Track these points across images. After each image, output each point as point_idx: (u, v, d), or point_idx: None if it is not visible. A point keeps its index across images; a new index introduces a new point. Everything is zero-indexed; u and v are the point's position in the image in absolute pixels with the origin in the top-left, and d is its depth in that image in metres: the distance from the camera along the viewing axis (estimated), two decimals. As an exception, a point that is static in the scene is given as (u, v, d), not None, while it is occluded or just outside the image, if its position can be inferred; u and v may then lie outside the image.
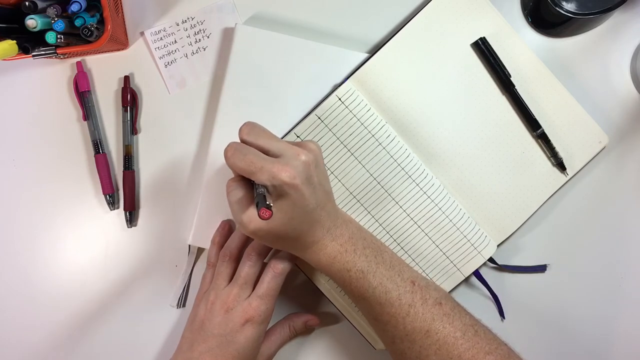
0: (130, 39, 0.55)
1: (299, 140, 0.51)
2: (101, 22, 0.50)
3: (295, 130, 0.51)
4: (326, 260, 0.44)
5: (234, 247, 0.49)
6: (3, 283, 0.55)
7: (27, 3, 0.46)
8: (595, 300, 0.54)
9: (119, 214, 0.55)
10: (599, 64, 0.54)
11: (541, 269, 0.54)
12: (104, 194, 0.54)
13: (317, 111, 0.51)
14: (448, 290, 0.52)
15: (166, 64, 0.54)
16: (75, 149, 0.55)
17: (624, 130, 0.54)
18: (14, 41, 0.46)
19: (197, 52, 0.54)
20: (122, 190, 0.54)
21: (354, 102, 0.50)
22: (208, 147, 0.52)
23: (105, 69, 0.55)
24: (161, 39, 0.54)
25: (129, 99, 0.54)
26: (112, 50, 0.54)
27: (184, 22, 0.54)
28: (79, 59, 0.55)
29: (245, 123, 0.43)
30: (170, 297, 0.54)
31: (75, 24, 0.49)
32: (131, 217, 0.54)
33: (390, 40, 0.52)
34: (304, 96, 0.52)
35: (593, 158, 0.53)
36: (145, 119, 0.55)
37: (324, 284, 0.52)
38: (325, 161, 0.51)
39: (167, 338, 0.55)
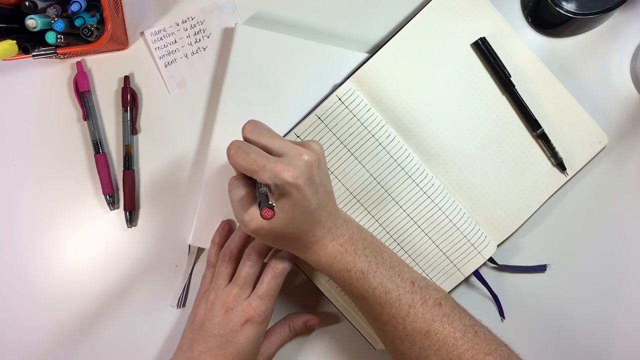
0: (130, 39, 0.55)
1: (299, 140, 0.51)
2: (101, 22, 0.50)
3: (295, 130, 0.51)
4: (326, 260, 0.44)
5: (234, 247, 0.49)
6: (3, 283, 0.55)
7: (27, 3, 0.46)
8: (595, 300, 0.54)
9: (119, 214, 0.55)
10: (599, 64, 0.54)
11: (541, 269, 0.54)
12: (104, 194, 0.54)
13: (317, 111, 0.51)
14: (448, 290, 0.52)
15: (166, 64, 0.54)
16: (75, 149, 0.55)
17: (624, 130, 0.54)
18: (14, 41, 0.46)
19: (197, 52, 0.54)
20: (122, 190, 0.54)
21: (354, 102, 0.50)
22: (208, 147, 0.52)
23: (105, 69, 0.55)
24: (161, 39, 0.54)
25: (129, 99, 0.54)
26: (112, 50, 0.54)
27: (184, 22, 0.54)
28: (79, 59, 0.55)
29: (248, 121, 0.43)
30: (170, 297, 0.54)
31: (75, 24, 0.49)
32: (131, 217, 0.54)
33: (390, 40, 0.52)
34: (304, 96, 0.52)
35: (593, 158, 0.53)
36: (145, 119, 0.55)
37: (324, 284, 0.52)
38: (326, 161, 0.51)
39: (167, 338, 0.55)
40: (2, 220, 0.55)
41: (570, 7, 0.49)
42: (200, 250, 0.55)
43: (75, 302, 0.54)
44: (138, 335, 0.54)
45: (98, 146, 0.54)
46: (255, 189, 0.41)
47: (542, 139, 0.52)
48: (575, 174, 0.53)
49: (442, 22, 0.52)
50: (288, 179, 0.39)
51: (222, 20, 0.54)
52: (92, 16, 0.49)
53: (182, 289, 0.54)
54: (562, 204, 0.54)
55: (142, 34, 0.54)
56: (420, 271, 0.52)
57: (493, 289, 0.53)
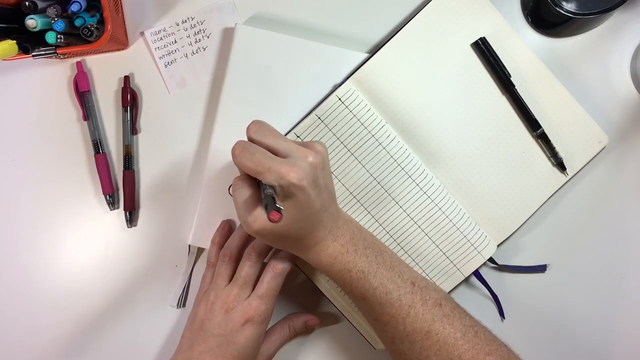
0: (130, 39, 0.55)
1: (299, 140, 0.51)
2: (101, 22, 0.50)
3: (295, 130, 0.51)
4: (327, 261, 0.44)
5: (234, 247, 0.49)
6: (3, 283, 0.55)
7: (27, 3, 0.46)
8: (595, 300, 0.54)
9: (119, 214, 0.55)
10: (599, 64, 0.54)
11: (541, 269, 0.54)
12: (104, 194, 0.54)
13: (317, 111, 0.51)
14: (448, 290, 0.52)
15: (166, 64, 0.54)
16: (75, 149, 0.55)
17: (624, 130, 0.54)
18: (14, 41, 0.46)
19: (197, 52, 0.54)
20: (122, 190, 0.54)
21: (354, 102, 0.50)
22: (208, 147, 0.52)
23: (105, 69, 0.55)
24: (161, 39, 0.54)
25: (129, 99, 0.54)
26: (112, 50, 0.54)
27: (184, 22, 0.54)
28: (79, 59, 0.55)
29: (253, 121, 0.42)
30: (170, 297, 0.54)
31: (75, 24, 0.49)
32: (131, 217, 0.54)
33: (390, 40, 0.52)
34: (304, 96, 0.52)
35: (593, 158, 0.53)
36: (145, 119, 0.55)
37: (324, 284, 0.52)
38: (326, 161, 0.51)
39: (167, 338, 0.55)
40: (2, 220, 0.55)
41: (570, 7, 0.49)
42: (200, 250, 0.55)
43: (75, 302, 0.54)
44: (138, 335, 0.54)
45: (98, 146, 0.54)
46: (259, 190, 0.41)
47: (542, 139, 0.52)
48: (575, 174, 0.53)
49: (442, 22, 0.52)
50: (293, 180, 0.39)
51: (222, 20, 0.54)
52: (92, 16, 0.49)
53: (182, 289, 0.54)
54: (562, 204, 0.54)
55: (142, 34, 0.54)
56: (420, 271, 0.52)
57: (493, 289, 0.53)
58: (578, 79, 0.53)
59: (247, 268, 0.47)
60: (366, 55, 0.52)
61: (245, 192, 0.42)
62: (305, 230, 0.43)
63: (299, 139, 0.51)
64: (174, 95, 0.55)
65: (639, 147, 0.54)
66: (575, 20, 0.50)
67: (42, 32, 0.47)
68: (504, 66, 0.51)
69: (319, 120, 0.51)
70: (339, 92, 0.50)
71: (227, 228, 0.52)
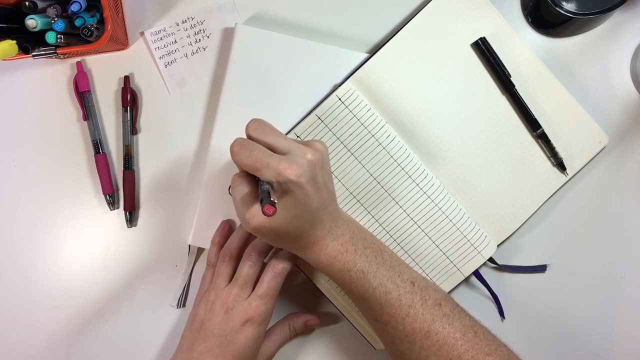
0: (130, 39, 0.55)
1: (299, 139, 0.51)
2: (101, 22, 0.50)
3: (295, 130, 0.51)
4: (327, 260, 0.44)
5: (234, 247, 0.49)
6: (3, 283, 0.55)
7: (27, 3, 0.46)
8: (595, 300, 0.54)
9: (119, 214, 0.55)
10: (599, 64, 0.54)
11: (541, 269, 0.54)
12: (104, 194, 0.54)
13: (317, 111, 0.51)
14: (448, 290, 0.52)
15: (166, 64, 0.54)
16: (75, 149, 0.55)
17: (624, 130, 0.54)
18: (14, 41, 0.46)
19: (197, 52, 0.54)
20: (122, 190, 0.54)
21: (354, 102, 0.50)
22: (208, 147, 0.52)
23: (105, 69, 0.55)
24: (161, 39, 0.54)
25: (129, 99, 0.54)
26: (112, 50, 0.54)
27: (184, 22, 0.54)
28: (79, 59, 0.55)
29: (252, 119, 0.42)
30: (170, 297, 0.54)
31: (75, 24, 0.49)
32: (131, 217, 0.54)
33: (390, 40, 0.52)
34: (304, 96, 0.52)
35: (593, 158, 0.53)
36: (145, 119, 0.55)
37: (324, 284, 0.52)
38: (326, 161, 0.51)
39: (167, 338, 0.55)
40: (2, 220, 0.55)
41: (570, 7, 0.49)
42: (200, 250, 0.55)
43: (75, 302, 0.54)
44: (138, 335, 0.54)
45: (98, 146, 0.54)
46: (257, 187, 0.41)
47: (542, 139, 0.52)
48: (575, 174, 0.53)
49: (442, 22, 0.52)
50: (291, 177, 0.39)
51: (222, 20, 0.54)
52: (92, 16, 0.49)
53: (182, 289, 0.54)
54: (562, 204, 0.54)
55: (142, 34, 0.54)
56: (420, 271, 0.52)
57: (493, 289, 0.53)
58: (578, 79, 0.53)
59: (247, 268, 0.47)
60: (366, 55, 0.52)
61: (243, 189, 0.42)
62: (304, 229, 0.43)
63: (299, 139, 0.51)
64: (174, 95, 0.55)
65: (639, 147, 0.54)
66: (575, 20, 0.50)
67: (42, 32, 0.47)
68: (504, 66, 0.51)
69: (319, 120, 0.51)
70: (339, 92, 0.50)
71: (227, 228, 0.52)
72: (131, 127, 0.54)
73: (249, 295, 0.46)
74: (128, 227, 0.54)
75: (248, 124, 0.42)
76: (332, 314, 0.54)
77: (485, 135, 0.52)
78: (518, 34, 0.52)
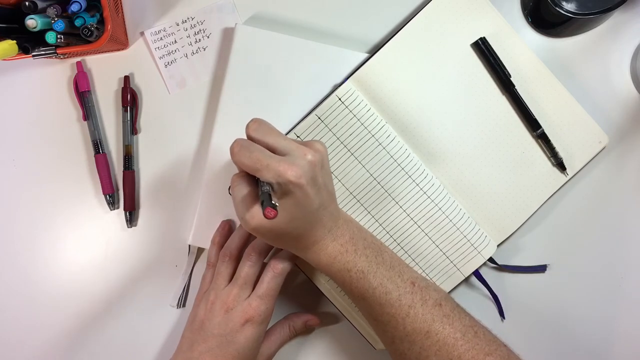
0: (130, 39, 0.55)
1: (299, 140, 0.51)
2: (101, 22, 0.50)
3: (295, 130, 0.51)
4: (327, 260, 0.44)
5: (234, 247, 0.49)
6: (3, 283, 0.55)
7: (27, 3, 0.46)
8: (595, 300, 0.54)
9: (119, 214, 0.55)
10: (599, 64, 0.54)
11: (541, 269, 0.54)
12: (104, 194, 0.54)
13: (317, 111, 0.51)
14: (448, 290, 0.52)
15: (166, 64, 0.54)
16: (75, 149, 0.55)
17: (624, 130, 0.54)
18: (14, 41, 0.46)
19: (197, 52, 0.54)
20: (122, 190, 0.54)
21: (354, 102, 0.50)
22: (208, 147, 0.52)
23: (105, 69, 0.55)
24: (161, 39, 0.54)
25: (129, 99, 0.54)
26: (112, 50, 0.54)
27: (184, 22, 0.54)
28: (79, 59, 0.55)
29: (252, 119, 0.42)
30: (170, 297, 0.54)
31: (75, 24, 0.49)
32: (131, 217, 0.54)
33: (390, 40, 0.52)
34: (304, 96, 0.52)
35: (593, 158, 0.53)
36: (145, 119, 0.55)
37: (324, 284, 0.52)
38: (326, 161, 0.51)
39: (167, 338, 0.55)
40: (2, 220, 0.55)
41: (570, 7, 0.49)
42: (200, 250, 0.55)
43: (75, 302, 0.54)
44: (138, 335, 0.54)
45: (98, 146, 0.54)
46: (257, 188, 0.41)
47: (542, 139, 0.52)
48: (575, 174, 0.53)
49: (442, 22, 0.52)
50: (291, 178, 0.39)
51: (222, 20, 0.54)
52: (92, 16, 0.49)
53: (182, 289, 0.54)
54: (562, 204, 0.54)
55: (142, 34, 0.54)
56: (420, 271, 0.52)
57: (493, 289, 0.53)
58: (578, 79, 0.53)
59: (247, 268, 0.47)
60: (366, 55, 0.52)
61: (243, 190, 0.42)
62: (304, 229, 0.43)
63: (299, 139, 0.51)
64: (174, 95, 0.55)
65: (639, 147, 0.54)
66: (575, 20, 0.50)
67: (42, 32, 0.47)
68: (504, 66, 0.51)
69: (319, 120, 0.51)
70: (339, 92, 0.50)
71: (227, 228, 0.52)
72: (131, 127, 0.54)
73: (249, 295, 0.46)
74: (128, 227, 0.54)
75: (248, 124, 0.42)
76: (332, 314, 0.54)
77: (485, 135, 0.52)
78: (518, 34, 0.52)
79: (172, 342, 0.54)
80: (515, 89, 0.52)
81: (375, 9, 0.54)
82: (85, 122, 0.54)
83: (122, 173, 0.54)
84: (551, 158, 0.52)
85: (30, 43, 0.47)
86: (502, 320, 0.54)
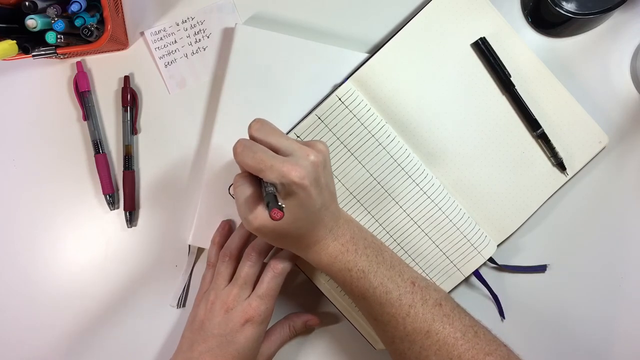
0: (130, 39, 0.55)
1: (299, 139, 0.51)
2: (101, 22, 0.50)
3: (295, 130, 0.51)
4: (327, 260, 0.44)
5: (234, 247, 0.49)
6: (3, 283, 0.55)
7: (27, 3, 0.46)
8: (595, 300, 0.54)
9: (119, 214, 0.55)
10: (599, 64, 0.54)
11: (541, 269, 0.54)
12: (104, 194, 0.54)
13: (317, 111, 0.51)
14: (448, 290, 0.52)
15: (166, 64, 0.54)
16: (75, 149, 0.55)
17: (624, 130, 0.54)
18: (14, 41, 0.46)
19: (197, 52, 0.54)
20: (122, 190, 0.54)
21: (354, 102, 0.50)
22: (208, 147, 0.52)
23: (105, 69, 0.55)
24: (161, 39, 0.54)
25: (129, 99, 0.54)
26: (112, 50, 0.54)
27: (184, 22, 0.54)
28: (79, 59, 0.55)
29: (255, 120, 0.42)
30: (170, 297, 0.54)
31: (75, 24, 0.49)
32: (131, 217, 0.54)
33: (390, 40, 0.52)
34: (304, 96, 0.52)
35: (593, 158, 0.53)
36: (145, 119, 0.55)
37: (324, 284, 0.52)
38: (326, 161, 0.51)
39: (167, 338, 0.55)
40: (2, 220, 0.55)
41: (570, 7, 0.49)
42: (200, 250, 0.55)
43: (75, 302, 0.54)
44: (138, 335, 0.54)
45: (98, 146, 0.54)
46: (260, 188, 0.41)
47: (542, 139, 0.52)
48: (575, 174, 0.53)
49: (442, 22, 0.52)
50: (295, 179, 0.39)
51: (222, 20, 0.54)
52: (92, 16, 0.49)
53: (182, 289, 0.54)
54: (562, 204, 0.54)
55: (142, 34, 0.54)
56: (420, 271, 0.52)
57: (493, 289, 0.53)
58: (578, 79, 0.53)
59: (247, 268, 0.47)
60: (366, 55, 0.52)
61: (246, 190, 0.41)
62: (306, 229, 0.43)
63: (299, 139, 0.51)
64: (174, 95, 0.55)
65: (639, 147, 0.54)
66: (575, 20, 0.50)
67: (42, 32, 0.47)
68: (504, 66, 0.51)
69: (319, 120, 0.51)
70: (339, 92, 0.50)
71: (227, 228, 0.52)
72: (131, 127, 0.54)
73: (249, 295, 0.46)
74: (128, 227, 0.54)
75: (251, 123, 0.42)
76: (332, 314, 0.54)
77: (485, 135, 0.52)
78: (518, 34, 0.52)
79: (172, 342, 0.54)
80: (515, 89, 0.52)
81: (375, 9, 0.54)
82: (85, 122, 0.54)
83: (122, 173, 0.54)
84: (551, 158, 0.52)
85: (30, 43, 0.47)
86: (502, 320, 0.54)
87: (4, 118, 0.55)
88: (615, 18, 0.53)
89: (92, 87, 0.55)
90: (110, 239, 0.55)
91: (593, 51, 0.54)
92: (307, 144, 0.42)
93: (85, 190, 0.55)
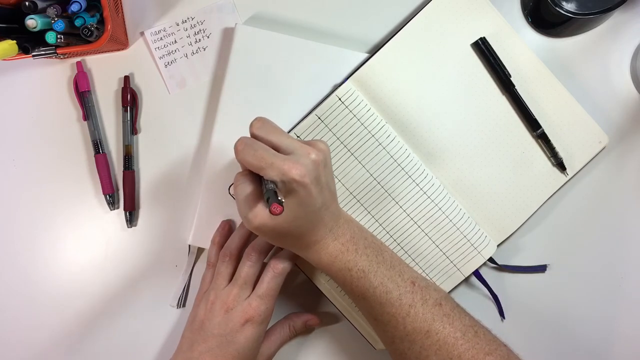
0: (130, 39, 0.55)
1: (300, 139, 0.51)
2: (101, 22, 0.50)
3: (295, 130, 0.51)
4: (327, 260, 0.44)
5: (234, 247, 0.49)
6: (3, 283, 0.55)
7: (27, 3, 0.46)
8: (595, 300, 0.54)
9: (119, 214, 0.55)
10: (599, 64, 0.54)
11: (541, 269, 0.54)
12: (104, 194, 0.54)
13: (317, 111, 0.51)
14: (448, 290, 0.52)
15: (166, 64, 0.54)
16: (75, 149, 0.55)
17: (624, 130, 0.54)
18: (14, 41, 0.46)
19: (197, 52, 0.54)
20: (122, 190, 0.54)
21: (354, 102, 0.50)
22: (208, 147, 0.52)
23: (105, 69, 0.55)
24: (161, 39, 0.54)
25: (129, 99, 0.54)
26: (112, 50, 0.54)
27: (184, 22, 0.54)
28: (79, 59, 0.55)
29: (256, 118, 0.42)
30: (170, 297, 0.54)
31: (75, 24, 0.49)
32: (131, 217, 0.54)
33: (390, 40, 0.52)
34: (304, 96, 0.52)
35: (593, 158, 0.53)
36: (145, 119, 0.55)
37: (324, 284, 0.52)
38: (326, 161, 0.51)
39: (167, 338, 0.55)
40: (2, 220, 0.55)
41: (570, 7, 0.49)
42: (200, 250, 0.55)
43: (75, 302, 0.54)
44: (138, 335, 0.54)
45: (98, 146, 0.54)
46: (261, 186, 0.41)
47: (542, 139, 0.52)
48: (575, 174, 0.53)
49: (442, 22, 0.52)
50: (295, 177, 0.39)
51: (222, 20, 0.54)
52: (92, 16, 0.49)
53: (182, 289, 0.54)
54: (562, 204, 0.54)
55: (142, 34, 0.54)
56: (420, 271, 0.52)
57: (493, 289, 0.53)
58: (578, 79, 0.53)
59: (247, 268, 0.47)
60: (366, 55, 0.52)
61: (246, 188, 0.41)
62: (306, 228, 0.43)
63: (299, 139, 0.51)
64: (174, 95, 0.55)
65: (639, 147, 0.54)
66: (575, 20, 0.50)
67: (42, 32, 0.47)
68: (504, 66, 0.51)
69: (319, 120, 0.51)
70: (339, 92, 0.50)
71: (227, 228, 0.52)
72: (131, 127, 0.54)
73: (249, 295, 0.46)
74: (128, 227, 0.54)
75: (252, 122, 0.42)
76: (332, 314, 0.54)
77: (485, 135, 0.52)
78: (518, 34, 0.52)
79: (172, 342, 0.54)
80: (515, 89, 0.52)
81: (375, 9, 0.54)
82: (85, 122, 0.54)
83: (122, 173, 0.54)
84: (551, 158, 0.52)
85: (30, 43, 0.47)
86: (502, 320, 0.54)
87: (4, 118, 0.55)
88: (615, 18, 0.53)
89: (92, 87, 0.55)
90: (110, 239, 0.55)
91: (593, 51, 0.54)
92: (308, 143, 0.42)
93: (85, 190, 0.55)
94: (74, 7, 0.48)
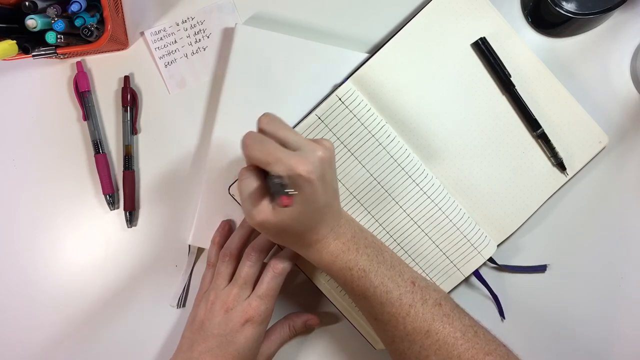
0: (130, 39, 0.55)
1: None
2: (101, 22, 0.50)
3: (295, 130, 0.51)
4: (328, 259, 0.44)
5: (234, 247, 0.49)
6: (3, 283, 0.55)
7: (27, 3, 0.46)
8: (595, 300, 0.54)
9: (119, 214, 0.55)
10: (599, 64, 0.54)
11: (541, 269, 0.54)
12: (104, 194, 0.54)
13: (317, 111, 0.51)
14: (448, 290, 0.52)
15: (166, 64, 0.54)
16: (75, 149, 0.55)
17: (624, 130, 0.54)
18: (14, 41, 0.46)
19: (197, 52, 0.54)
20: (122, 190, 0.54)
21: (354, 102, 0.50)
22: (208, 147, 0.52)
23: (105, 69, 0.55)
24: (161, 39, 0.54)
25: (129, 99, 0.54)
26: (112, 50, 0.54)
27: (184, 22, 0.54)
28: (79, 59, 0.55)
29: (264, 114, 0.42)
30: (170, 297, 0.54)
31: (75, 24, 0.49)
32: (131, 217, 0.54)
33: (390, 40, 0.52)
34: (304, 96, 0.52)
35: (593, 158, 0.53)
36: (145, 119, 0.55)
37: (324, 284, 0.52)
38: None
39: (167, 338, 0.55)
40: (2, 220, 0.55)
41: (570, 7, 0.49)
42: (200, 250, 0.55)
43: (75, 302, 0.54)
44: (138, 335, 0.54)
45: (98, 146, 0.54)
46: (265, 182, 0.41)
47: (542, 139, 0.52)
48: (575, 174, 0.53)
49: (442, 22, 0.52)
50: (302, 172, 0.39)
51: (222, 20, 0.54)
52: (92, 16, 0.49)
53: (182, 289, 0.54)
54: (562, 204, 0.54)
55: (142, 34, 0.55)
56: (420, 271, 0.52)
57: (493, 289, 0.53)
58: (578, 79, 0.53)
59: (247, 268, 0.47)
60: (366, 55, 0.52)
61: (251, 183, 0.41)
62: (309, 226, 0.43)
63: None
64: (174, 95, 0.55)
65: (639, 147, 0.54)
66: (575, 20, 0.50)
67: (42, 32, 0.47)
68: (504, 66, 0.51)
69: (319, 120, 0.51)
70: (339, 92, 0.50)
71: (227, 228, 0.52)
72: (131, 127, 0.54)
73: (249, 295, 0.47)
74: (128, 227, 0.54)
75: (260, 117, 0.42)
76: (332, 314, 0.54)
77: (485, 135, 0.52)
78: (518, 34, 0.52)
79: (172, 342, 0.54)
80: (515, 89, 0.52)
81: (375, 9, 0.54)
82: (85, 122, 0.54)
83: (122, 173, 0.54)
84: (551, 158, 0.52)
85: (30, 43, 0.47)
86: (502, 320, 0.54)
87: (4, 118, 0.55)
88: (615, 18, 0.53)
89: (92, 87, 0.55)
90: (110, 239, 0.55)
91: (593, 51, 0.54)
92: (315, 141, 0.42)
93: (85, 190, 0.55)
94: (74, 7, 0.48)
